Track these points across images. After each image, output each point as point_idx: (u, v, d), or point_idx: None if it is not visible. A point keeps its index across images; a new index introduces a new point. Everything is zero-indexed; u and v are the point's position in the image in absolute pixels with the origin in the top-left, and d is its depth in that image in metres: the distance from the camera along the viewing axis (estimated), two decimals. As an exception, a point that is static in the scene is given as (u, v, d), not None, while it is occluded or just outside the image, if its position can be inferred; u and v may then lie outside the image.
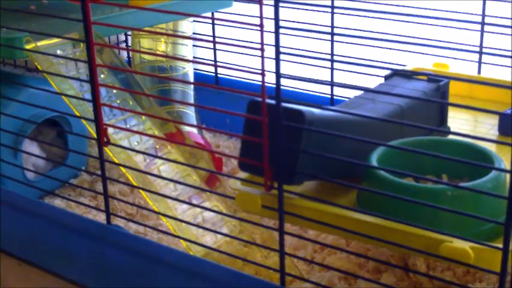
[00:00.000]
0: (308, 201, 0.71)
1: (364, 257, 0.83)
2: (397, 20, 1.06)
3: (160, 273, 0.81)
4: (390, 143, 0.73)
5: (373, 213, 0.67)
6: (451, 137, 0.84)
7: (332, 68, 1.19)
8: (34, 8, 1.12)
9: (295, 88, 1.24)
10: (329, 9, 1.15)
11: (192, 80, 1.24)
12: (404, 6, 1.08)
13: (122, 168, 0.88)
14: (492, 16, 1.03)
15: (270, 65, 0.65)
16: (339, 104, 0.90)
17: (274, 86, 0.65)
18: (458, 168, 0.74)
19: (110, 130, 0.86)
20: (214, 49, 1.34)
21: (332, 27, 1.15)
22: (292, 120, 0.67)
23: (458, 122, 0.96)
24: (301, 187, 0.75)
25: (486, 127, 0.94)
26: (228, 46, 1.24)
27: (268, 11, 0.63)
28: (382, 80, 0.93)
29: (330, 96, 1.22)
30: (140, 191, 0.89)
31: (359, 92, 0.86)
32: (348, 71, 1.15)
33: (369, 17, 1.09)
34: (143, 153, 0.89)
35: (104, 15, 1.04)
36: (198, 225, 0.83)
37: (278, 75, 0.64)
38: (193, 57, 1.35)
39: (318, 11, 1.19)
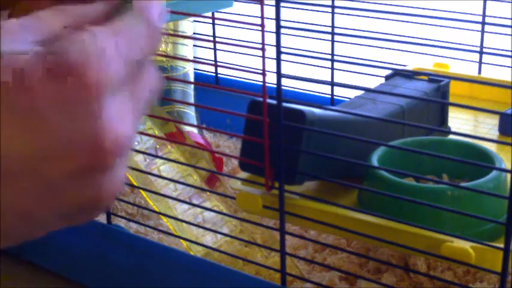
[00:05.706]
0: (309, 201, 0.71)
1: (365, 257, 0.83)
2: (398, 20, 1.06)
3: (160, 273, 0.81)
4: (391, 143, 0.73)
5: (374, 213, 0.67)
6: (451, 137, 0.84)
7: (332, 68, 1.18)
8: (34, 7, 1.12)
9: (295, 88, 1.23)
10: (330, 9, 1.15)
11: (192, 79, 1.24)
12: (404, 6, 1.08)
13: (122, 168, 0.87)
14: (493, 16, 1.03)
15: (271, 65, 0.65)
16: (340, 104, 0.90)
17: (275, 86, 0.65)
18: (459, 168, 0.74)
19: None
20: (215, 49, 1.34)
21: (333, 27, 1.15)
22: (293, 120, 0.67)
23: (459, 122, 0.96)
24: (302, 187, 0.74)
25: (486, 127, 0.94)
26: (228, 46, 1.24)
27: (269, 11, 0.63)
28: (382, 80, 0.93)
29: (330, 96, 1.22)
30: (140, 190, 0.88)
31: (360, 92, 0.86)
32: (348, 71, 1.15)
33: (369, 17, 1.09)
34: (143, 153, 0.89)
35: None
36: (198, 225, 0.83)
37: (279, 75, 0.64)
38: (194, 57, 1.35)
39: (319, 11, 1.19)
